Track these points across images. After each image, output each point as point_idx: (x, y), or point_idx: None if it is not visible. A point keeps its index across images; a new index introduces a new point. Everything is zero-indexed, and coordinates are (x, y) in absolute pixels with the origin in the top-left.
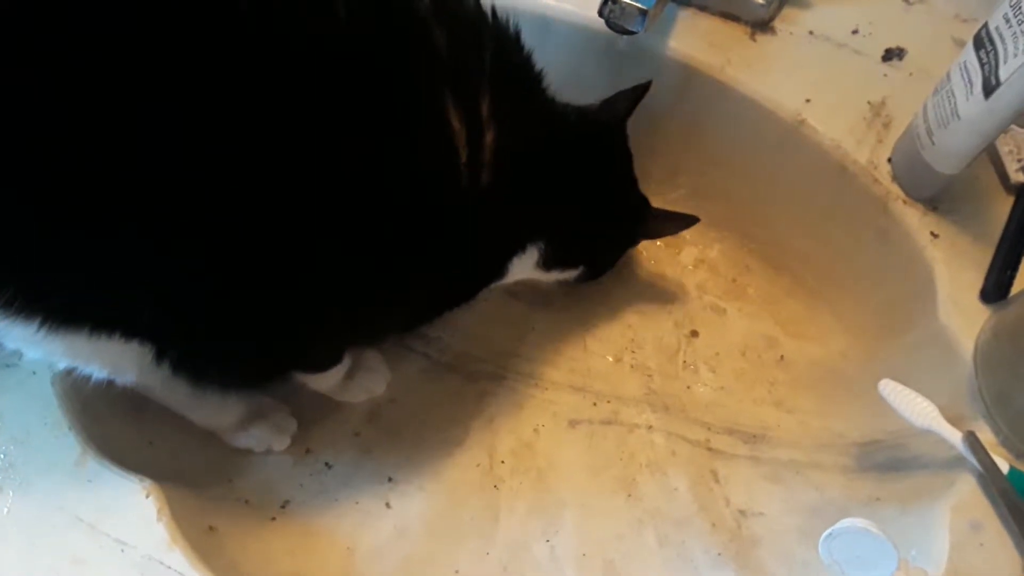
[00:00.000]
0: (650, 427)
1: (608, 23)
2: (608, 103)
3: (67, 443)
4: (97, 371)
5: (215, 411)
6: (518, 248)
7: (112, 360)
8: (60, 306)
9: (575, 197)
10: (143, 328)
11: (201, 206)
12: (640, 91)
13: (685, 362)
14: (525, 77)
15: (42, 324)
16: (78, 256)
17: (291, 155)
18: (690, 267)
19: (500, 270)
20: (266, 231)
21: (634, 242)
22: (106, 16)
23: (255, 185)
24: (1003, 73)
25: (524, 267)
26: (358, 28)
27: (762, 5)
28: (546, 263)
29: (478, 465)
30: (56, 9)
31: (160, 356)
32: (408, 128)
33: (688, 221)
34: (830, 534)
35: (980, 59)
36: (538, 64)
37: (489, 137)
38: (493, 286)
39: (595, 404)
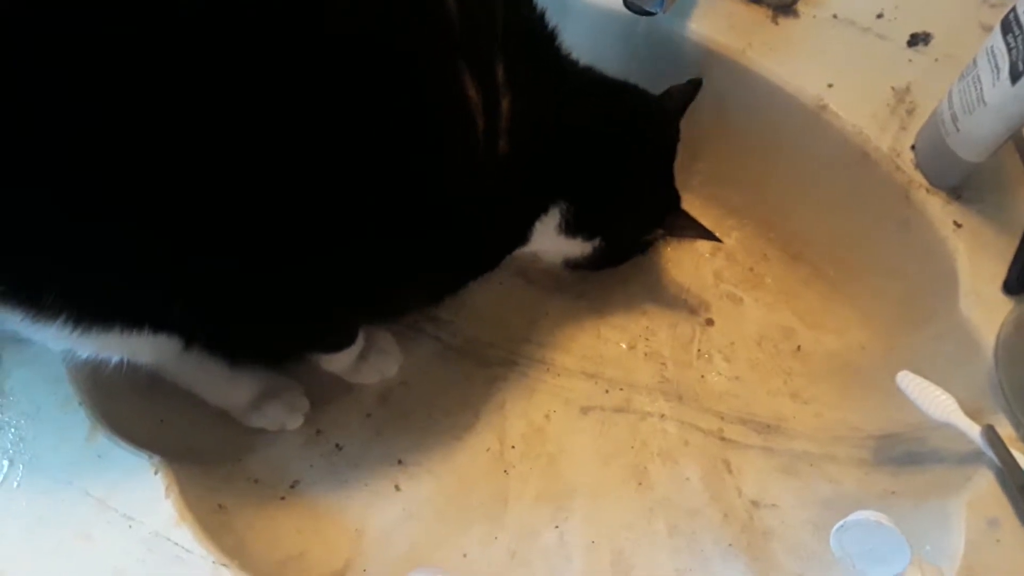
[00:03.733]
0: (663, 416)
1: (626, 3)
2: (663, 94)
3: (77, 419)
4: (117, 358)
5: (229, 390)
6: (540, 210)
7: (138, 349)
8: (94, 306)
9: (597, 161)
10: (172, 321)
11: (222, 191)
12: (692, 87)
13: (700, 351)
14: (539, 40)
15: (77, 325)
16: (109, 255)
17: (305, 134)
18: (707, 255)
19: (523, 234)
20: (288, 211)
21: (656, 226)
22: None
23: (274, 166)
24: None
25: (546, 232)
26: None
27: None
28: (567, 227)
29: (488, 450)
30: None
31: (188, 344)
32: (424, 100)
33: (710, 236)
34: (842, 526)
35: (1008, 44)
36: (553, 26)
37: (505, 103)
38: (516, 252)
39: (607, 391)
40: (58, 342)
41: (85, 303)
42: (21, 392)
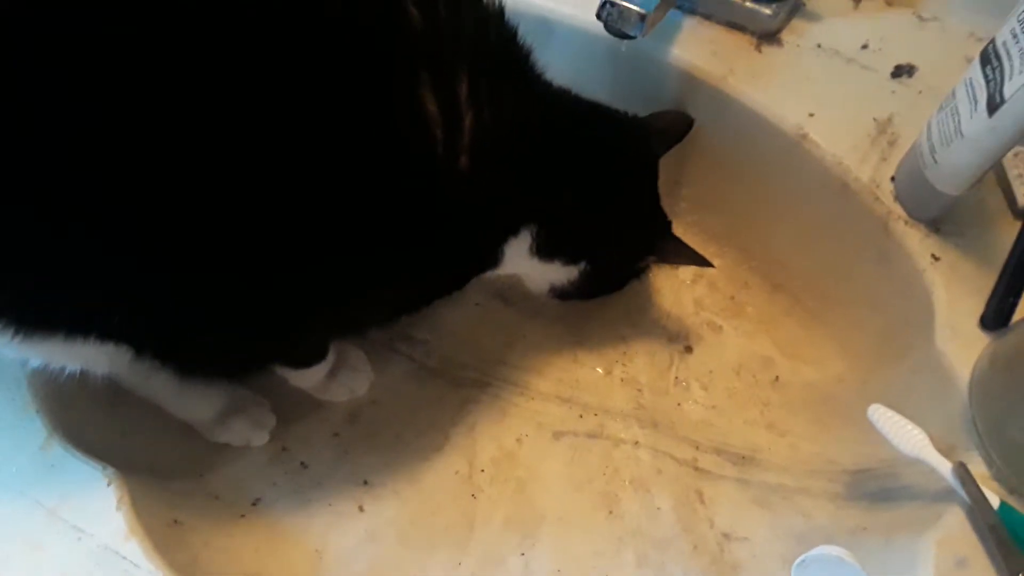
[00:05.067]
0: (636, 443)
1: (607, 26)
2: (649, 117)
3: (34, 427)
4: (71, 366)
5: (193, 404)
6: (509, 232)
7: (88, 358)
8: (33, 313)
9: (566, 181)
10: (117, 329)
11: (167, 202)
12: (684, 125)
13: (677, 378)
14: (510, 59)
15: (16, 332)
16: (47, 261)
17: (257, 145)
18: (688, 282)
19: (492, 256)
20: (236, 225)
21: (646, 253)
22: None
23: (223, 178)
24: (1007, 90)
25: (519, 254)
26: (327, 9)
27: (770, 16)
28: (540, 250)
29: (456, 472)
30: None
31: (138, 354)
32: (380, 114)
33: (702, 261)
34: (803, 561)
35: (986, 75)
36: (526, 45)
37: (468, 119)
38: (491, 275)
39: (581, 416)
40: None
41: (25, 308)
42: None
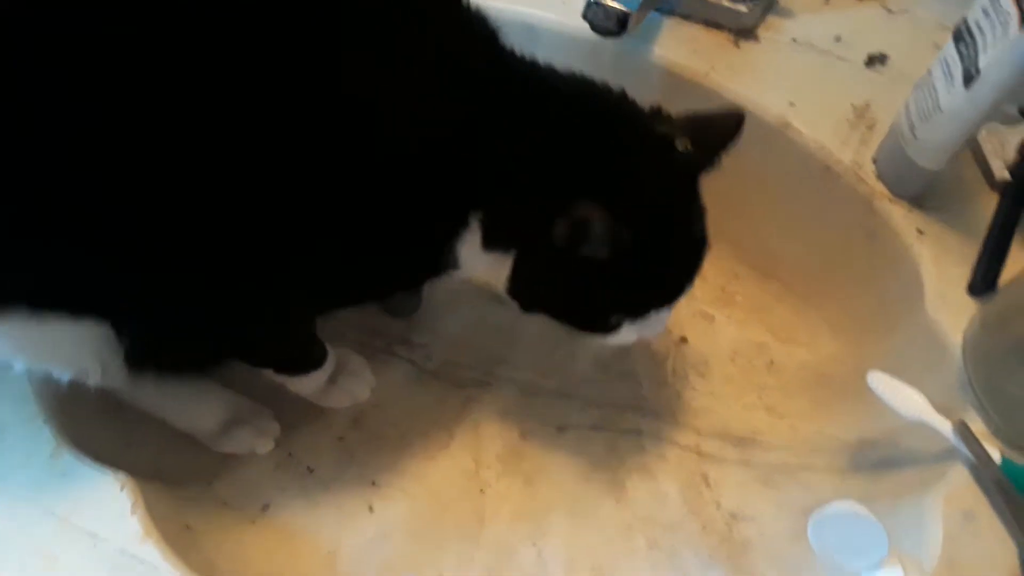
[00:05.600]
0: (639, 432)
1: (592, 25)
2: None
3: (42, 437)
4: (57, 369)
5: (196, 415)
6: (459, 222)
7: (67, 353)
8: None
9: (517, 163)
10: (87, 304)
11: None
12: (734, 123)
13: (674, 368)
14: (460, 30)
15: None
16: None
17: (196, 127)
18: None
19: (445, 249)
20: (175, 199)
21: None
22: None
23: (155, 156)
24: (982, 62)
25: (474, 249)
26: None
27: (746, 13)
28: (485, 240)
29: (464, 470)
30: None
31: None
32: (315, 91)
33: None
34: (819, 518)
35: (960, 52)
36: (483, 16)
37: (411, 97)
38: (457, 276)
39: (584, 410)
40: None
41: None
42: None
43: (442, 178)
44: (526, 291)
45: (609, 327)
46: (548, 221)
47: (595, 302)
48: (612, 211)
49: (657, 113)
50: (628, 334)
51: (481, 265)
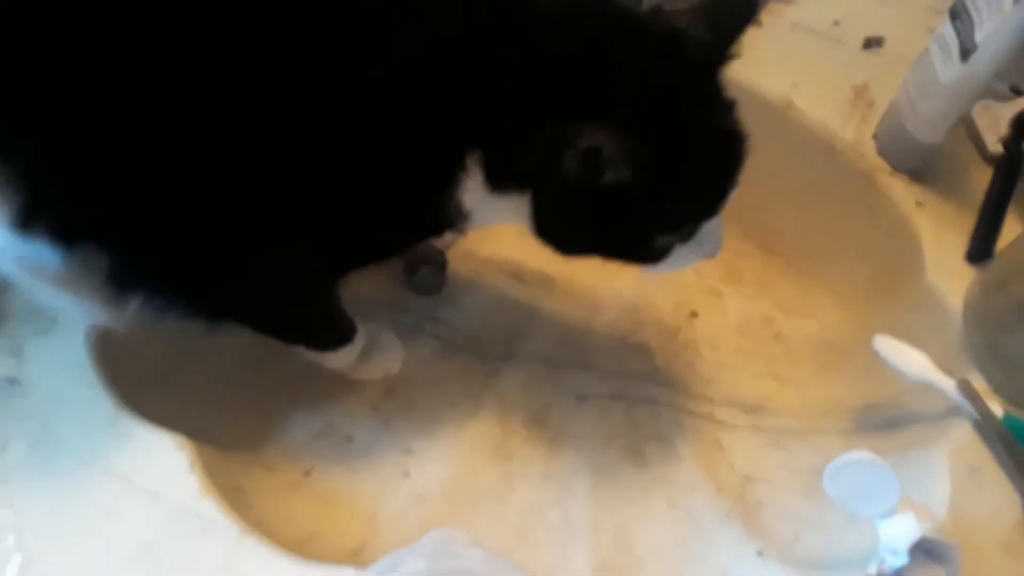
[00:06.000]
0: (655, 401)
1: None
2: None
3: (101, 403)
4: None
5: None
6: (454, 161)
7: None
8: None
9: (507, 88)
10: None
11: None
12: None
13: (686, 341)
14: None
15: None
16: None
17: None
18: None
19: (445, 195)
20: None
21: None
22: None
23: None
24: (978, 37)
25: (479, 195)
26: None
27: None
28: (488, 180)
29: (492, 437)
30: None
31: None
32: (312, 22)
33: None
34: (836, 466)
35: (956, 28)
36: None
37: (408, 29)
38: (468, 229)
39: (602, 380)
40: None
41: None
42: (45, 381)
43: (429, 109)
44: (554, 232)
45: (658, 253)
46: (554, 152)
47: (632, 229)
48: (623, 129)
49: (657, 12)
50: (683, 257)
51: (494, 212)
